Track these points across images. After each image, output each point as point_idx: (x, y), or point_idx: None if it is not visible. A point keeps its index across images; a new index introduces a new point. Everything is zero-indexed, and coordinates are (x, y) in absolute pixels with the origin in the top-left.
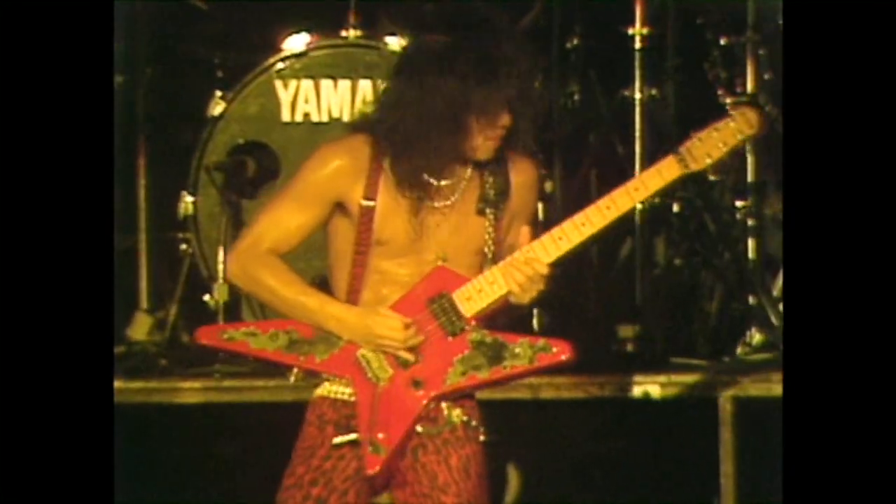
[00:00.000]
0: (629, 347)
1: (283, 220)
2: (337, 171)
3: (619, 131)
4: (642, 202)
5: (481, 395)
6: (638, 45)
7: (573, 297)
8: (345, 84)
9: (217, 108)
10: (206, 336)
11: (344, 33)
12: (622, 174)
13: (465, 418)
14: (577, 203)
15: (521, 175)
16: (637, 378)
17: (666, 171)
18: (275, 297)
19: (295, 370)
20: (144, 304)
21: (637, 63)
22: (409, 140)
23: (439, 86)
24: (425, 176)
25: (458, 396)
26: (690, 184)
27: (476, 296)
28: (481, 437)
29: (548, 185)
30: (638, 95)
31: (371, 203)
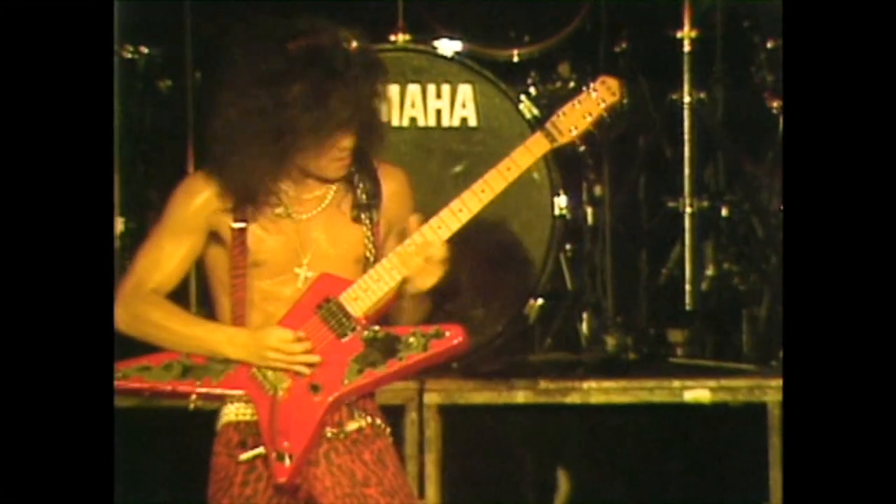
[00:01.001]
0: (679, 352)
1: (162, 258)
2: (207, 201)
3: (667, 135)
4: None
5: (537, 399)
6: (686, 48)
7: (623, 301)
8: (394, 88)
9: None
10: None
11: (392, 37)
12: (671, 178)
13: (368, 419)
14: (626, 207)
15: (391, 182)
16: (687, 383)
17: (535, 147)
18: (165, 334)
19: (193, 396)
20: (193, 308)
21: (685, 66)
22: (234, 160)
23: (265, 109)
24: (257, 194)
25: (359, 398)
26: (738, 187)
27: (363, 295)
28: (388, 431)
29: (597, 189)
30: (686, 99)
31: (242, 225)
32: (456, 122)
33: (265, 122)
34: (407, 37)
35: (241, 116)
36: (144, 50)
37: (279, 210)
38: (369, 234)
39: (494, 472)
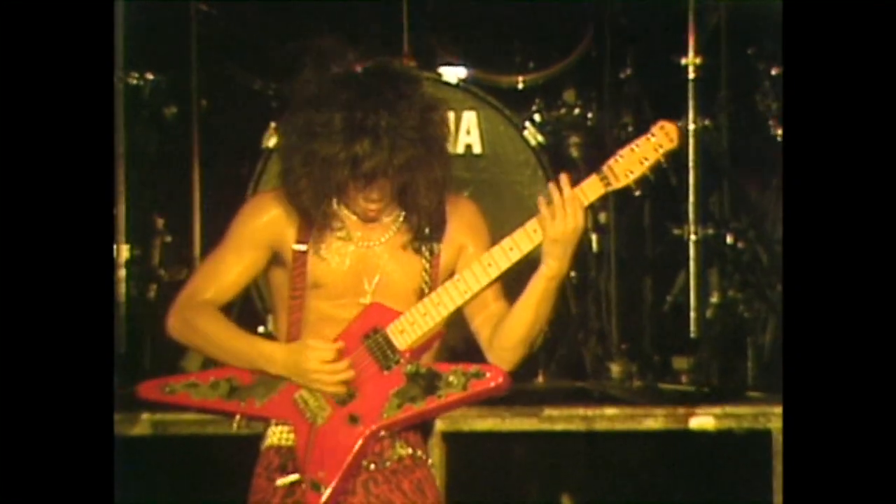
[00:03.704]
0: (683, 380)
1: (221, 271)
2: (272, 220)
3: (672, 162)
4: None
5: (541, 426)
6: (691, 75)
7: (627, 328)
8: None
9: (272, 139)
10: (148, 391)
11: None
12: (676, 205)
13: (409, 450)
14: (630, 234)
15: (459, 213)
16: (691, 410)
17: (590, 191)
18: (211, 345)
19: (237, 417)
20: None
21: (690, 93)
22: (289, 181)
23: (313, 148)
24: (312, 217)
25: (401, 430)
26: (743, 215)
27: (409, 328)
28: (429, 462)
29: (602, 216)
30: (691, 126)
31: (304, 247)
32: (461, 149)
33: (310, 146)
34: (412, 63)
35: (297, 137)
36: (150, 76)
37: (341, 234)
38: (427, 266)
39: (499, 498)
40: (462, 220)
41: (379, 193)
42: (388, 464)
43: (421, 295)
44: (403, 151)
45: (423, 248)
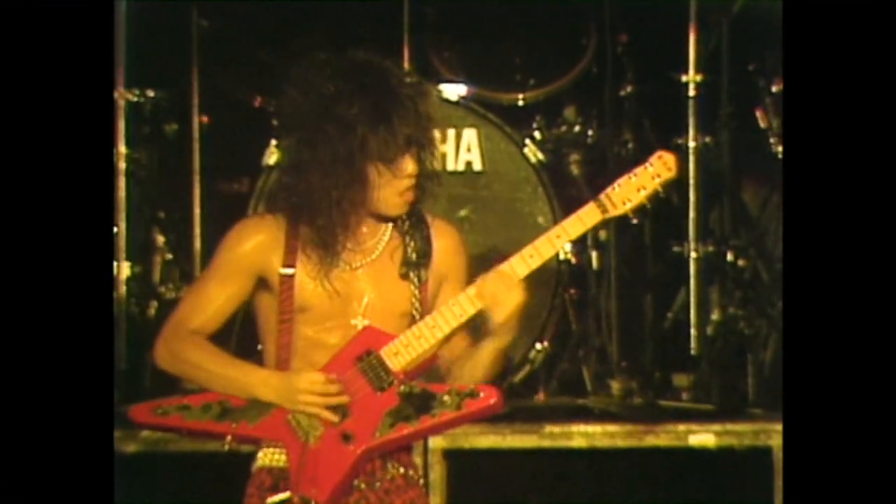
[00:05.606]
0: (684, 397)
1: (207, 300)
2: (257, 246)
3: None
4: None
5: (542, 443)
6: (691, 92)
7: (628, 346)
8: None
9: (273, 156)
10: (140, 414)
11: None
12: (676, 222)
13: (402, 470)
14: (631, 251)
15: (443, 239)
16: (692, 427)
17: (587, 218)
18: (202, 374)
19: (228, 438)
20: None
21: (690, 111)
22: (310, 199)
23: (330, 135)
24: (335, 236)
25: (394, 451)
26: (744, 232)
27: (403, 350)
28: (421, 482)
29: (602, 234)
30: (692, 143)
31: (290, 271)
32: (461, 167)
33: (334, 149)
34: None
35: (311, 152)
36: (150, 93)
37: (328, 259)
38: (416, 291)
39: None
40: (445, 250)
41: (414, 163)
42: (378, 484)
43: (410, 319)
44: (422, 100)
45: (412, 274)
